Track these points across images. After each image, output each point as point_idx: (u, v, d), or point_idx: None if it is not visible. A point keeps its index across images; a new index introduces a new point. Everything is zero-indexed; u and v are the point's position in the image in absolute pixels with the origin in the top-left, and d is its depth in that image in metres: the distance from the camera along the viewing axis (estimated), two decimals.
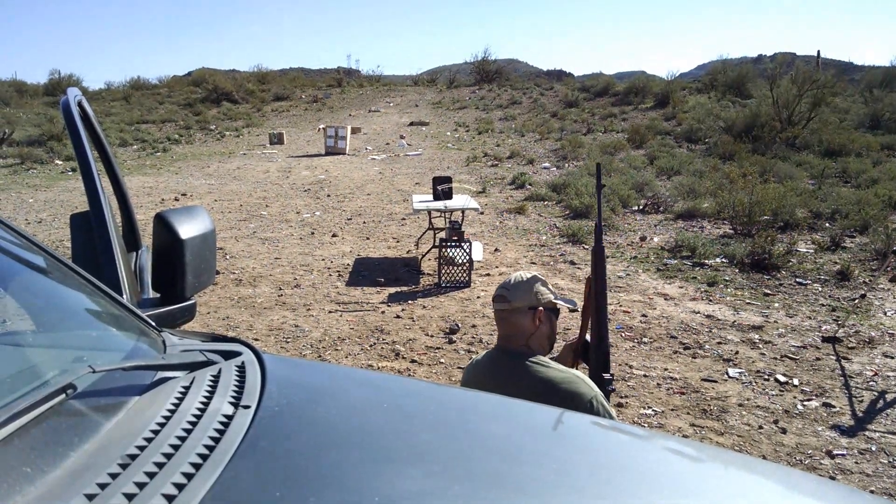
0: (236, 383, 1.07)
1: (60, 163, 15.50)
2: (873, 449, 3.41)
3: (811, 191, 10.11)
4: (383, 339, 4.96)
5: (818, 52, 20.73)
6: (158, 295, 1.63)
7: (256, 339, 4.95)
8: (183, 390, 1.01)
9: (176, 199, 11.19)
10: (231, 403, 0.99)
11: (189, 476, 0.79)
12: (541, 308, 2.07)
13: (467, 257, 6.21)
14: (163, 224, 1.53)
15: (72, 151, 4.53)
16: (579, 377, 1.95)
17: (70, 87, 2.28)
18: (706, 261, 6.92)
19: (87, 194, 1.89)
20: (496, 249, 7.59)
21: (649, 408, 3.87)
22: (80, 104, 2.11)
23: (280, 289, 6.23)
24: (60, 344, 1.21)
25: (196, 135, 21.51)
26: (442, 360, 4.57)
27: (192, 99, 27.76)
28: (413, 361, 4.57)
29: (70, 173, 14.11)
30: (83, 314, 1.28)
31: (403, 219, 9.47)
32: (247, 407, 0.99)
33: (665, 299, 5.84)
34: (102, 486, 0.74)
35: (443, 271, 6.26)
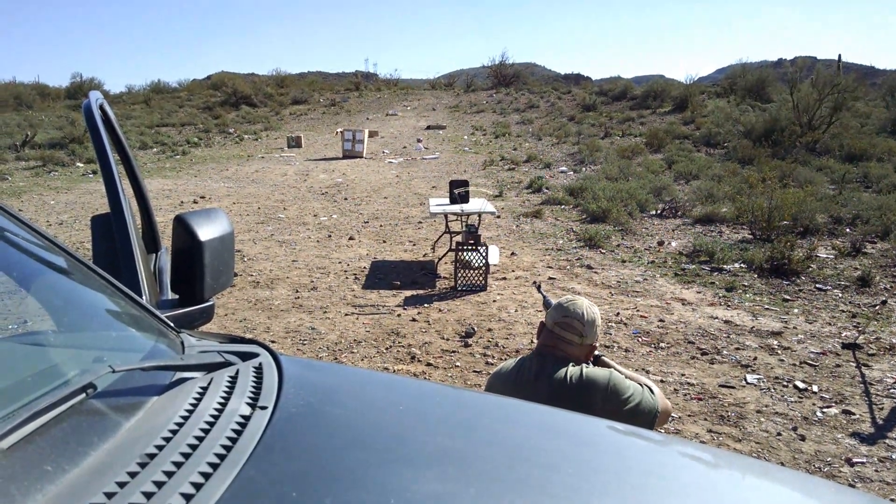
0: (253, 384, 1.08)
1: (81, 165, 15.68)
2: (893, 457, 3.36)
3: (832, 196, 9.99)
4: (399, 342, 4.97)
5: (839, 55, 20.43)
6: (177, 296, 1.64)
7: (273, 341, 4.98)
8: (201, 391, 1.02)
9: (195, 202, 11.28)
10: (248, 404, 1.00)
11: (207, 475, 0.79)
12: (595, 345, 2.21)
13: (483, 261, 6.20)
14: (182, 226, 1.54)
15: (93, 154, 4.57)
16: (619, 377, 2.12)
17: (92, 90, 2.31)
18: (724, 266, 6.86)
19: (107, 196, 1.91)
20: (513, 253, 7.58)
21: None
22: (101, 107, 2.13)
23: (297, 291, 6.26)
24: (81, 344, 1.22)
25: (215, 138, 21.68)
26: (457, 364, 4.57)
27: (212, 102, 28.04)
28: (429, 364, 4.57)
29: (91, 176, 14.27)
30: (103, 315, 1.30)
31: (420, 222, 9.49)
32: (264, 408, 0.99)
33: (683, 304, 5.79)
34: (122, 485, 0.75)
35: (459, 275, 6.26)
